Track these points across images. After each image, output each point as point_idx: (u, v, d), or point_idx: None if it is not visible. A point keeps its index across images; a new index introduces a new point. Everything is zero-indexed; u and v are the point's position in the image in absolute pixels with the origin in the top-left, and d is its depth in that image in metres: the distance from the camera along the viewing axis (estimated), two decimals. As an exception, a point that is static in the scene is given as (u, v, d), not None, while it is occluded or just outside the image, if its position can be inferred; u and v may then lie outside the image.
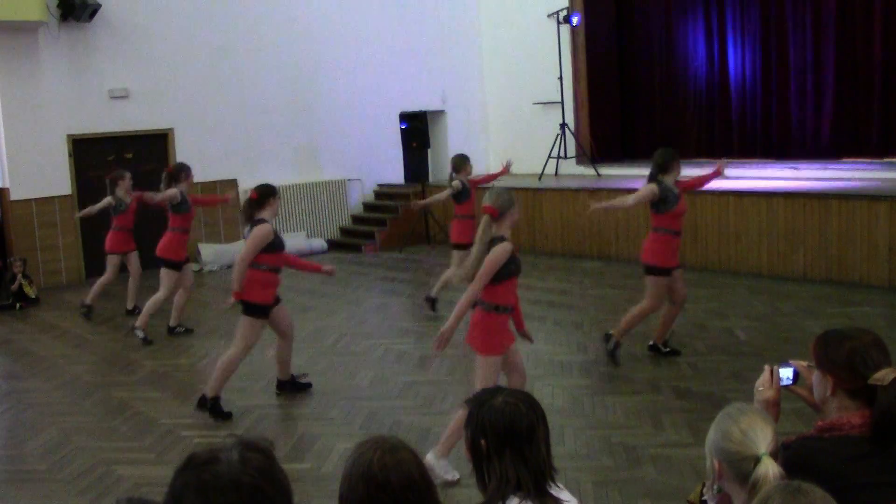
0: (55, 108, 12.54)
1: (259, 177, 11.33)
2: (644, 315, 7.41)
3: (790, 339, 7.80)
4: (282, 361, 7.15)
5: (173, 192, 9.15)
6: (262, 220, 6.58)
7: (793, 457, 2.54)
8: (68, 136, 12.69)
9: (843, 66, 12.79)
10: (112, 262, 10.32)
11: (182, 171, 9.33)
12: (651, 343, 7.64)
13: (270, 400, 7.12)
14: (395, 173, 15.80)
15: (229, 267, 13.06)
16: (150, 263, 12.29)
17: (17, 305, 11.23)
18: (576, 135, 14.63)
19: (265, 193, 6.62)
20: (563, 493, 2.52)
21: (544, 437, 2.49)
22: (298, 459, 5.72)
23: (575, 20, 14.23)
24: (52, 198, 12.56)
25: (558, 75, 14.45)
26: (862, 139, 12.68)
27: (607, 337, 7.57)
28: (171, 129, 13.53)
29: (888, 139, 12.40)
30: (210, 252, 13.39)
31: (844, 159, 12.50)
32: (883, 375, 2.52)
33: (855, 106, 12.74)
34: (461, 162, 9.59)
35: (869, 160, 12.14)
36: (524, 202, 13.39)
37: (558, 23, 14.36)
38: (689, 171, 12.98)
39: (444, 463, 5.21)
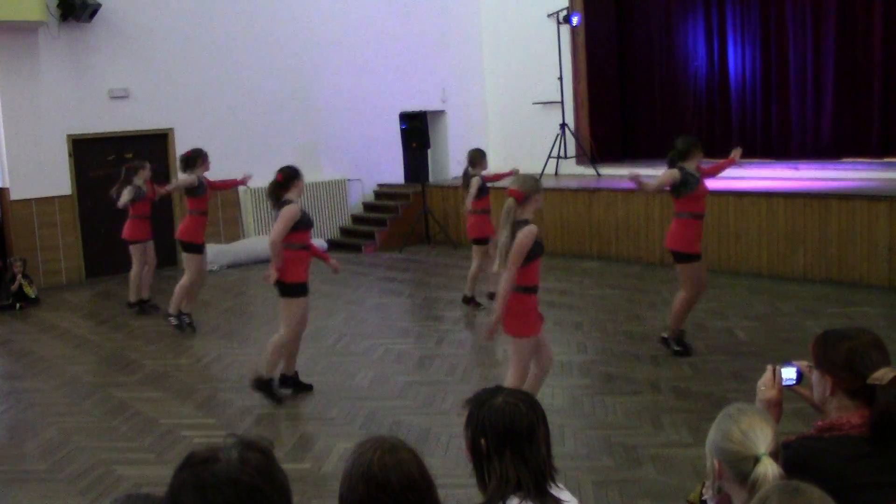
0: (55, 108, 12.53)
1: (259, 177, 11.33)
2: (689, 304, 7.42)
3: (790, 339, 7.80)
4: (289, 355, 7.16)
5: (189, 178, 9.23)
6: (290, 201, 6.70)
7: (793, 456, 2.54)
8: (68, 136, 12.69)
9: (843, 66, 12.79)
10: (136, 251, 10.33)
11: (199, 157, 9.45)
12: (664, 336, 7.60)
13: (270, 400, 7.11)
14: (395, 173, 15.80)
15: (230, 267, 13.11)
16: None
17: (17, 305, 11.23)
18: (576, 135, 14.63)
19: (290, 175, 6.78)
20: (563, 493, 2.52)
21: (545, 437, 2.49)
22: (298, 459, 5.72)
23: (575, 20, 14.23)
24: (52, 198, 12.56)
25: (558, 75, 14.45)
26: (862, 139, 12.69)
27: (665, 341, 7.55)
28: (171, 129, 13.53)
29: (888, 139, 12.40)
30: (210, 252, 13.37)
31: (844, 159, 12.50)
32: (882, 375, 2.52)
33: (855, 106, 12.74)
34: (478, 156, 9.65)
35: (869, 160, 12.14)
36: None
37: (558, 23, 14.36)
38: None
39: None
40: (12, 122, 12.30)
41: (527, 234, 5.20)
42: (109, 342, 9.27)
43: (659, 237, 11.68)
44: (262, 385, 6.90)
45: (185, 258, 9.35)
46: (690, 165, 7.37)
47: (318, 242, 14.43)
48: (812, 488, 1.94)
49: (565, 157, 14.32)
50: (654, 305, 9.50)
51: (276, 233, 6.61)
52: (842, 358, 2.61)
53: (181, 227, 9.41)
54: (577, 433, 5.92)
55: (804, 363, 2.80)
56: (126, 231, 10.29)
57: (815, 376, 2.71)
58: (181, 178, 9.29)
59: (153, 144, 13.43)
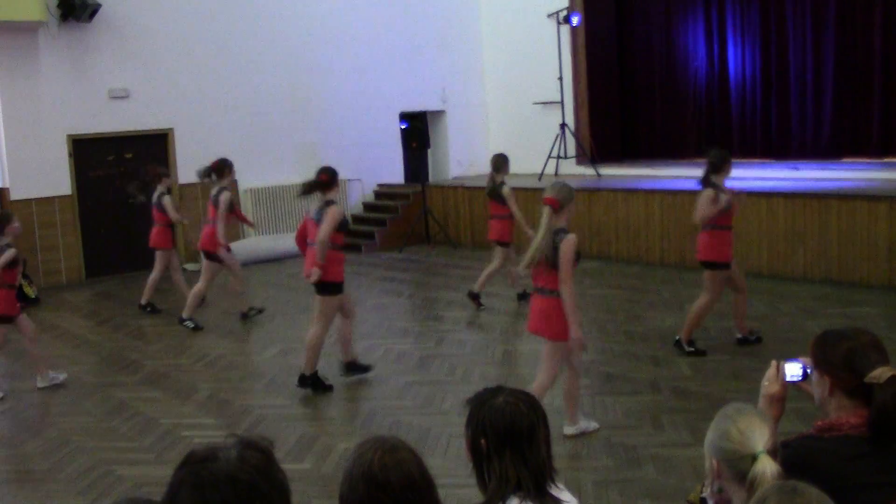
0: (55, 108, 12.53)
1: (259, 177, 11.35)
2: (706, 310, 7.52)
3: (790, 339, 7.80)
4: (345, 342, 7.31)
5: (228, 195, 9.49)
6: (333, 202, 6.92)
7: (792, 456, 2.54)
8: (68, 136, 12.69)
9: (843, 66, 12.79)
10: (162, 257, 10.46)
11: (226, 166, 9.63)
12: (739, 336, 7.67)
13: (270, 400, 7.12)
14: (395, 173, 15.80)
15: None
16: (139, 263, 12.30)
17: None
18: (576, 135, 14.63)
19: (334, 175, 7.04)
20: (563, 494, 2.52)
21: (545, 437, 2.49)
22: (298, 459, 5.72)
23: (575, 20, 14.22)
24: (52, 198, 12.56)
25: (558, 75, 14.45)
26: (862, 139, 12.68)
27: (678, 343, 7.59)
28: (171, 129, 13.53)
29: (888, 139, 12.40)
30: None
31: (844, 159, 12.50)
32: (879, 374, 2.52)
33: (855, 106, 12.74)
34: (503, 162, 9.71)
35: (869, 160, 12.14)
36: (524, 203, 13.38)
37: (558, 23, 14.36)
38: (689, 171, 13.04)
39: (582, 424, 5.82)
40: (12, 122, 12.29)
41: (571, 244, 5.40)
42: (109, 342, 9.27)
43: (659, 237, 11.70)
44: (307, 381, 7.09)
45: (205, 265, 9.65)
46: (720, 179, 7.44)
47: (318, 242, 14.46)
48: (810, 488, 1.94)
49: (565, 157, 14.32)
50: (654, 305, 9.50)
51: (325, 233, 6.77)
52: (840, 358, 2.61)
53: (204, 236, 9.61)
54: (575, 433, 5.92)
55: (807, 360, 2.80)
56: (154, 239, 10.37)
57: (814, 376, 2.71)
58: (225, 197, 9.46)
59: (153, 144, 13.43)
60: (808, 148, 13.13)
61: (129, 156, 13.28)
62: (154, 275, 10.46)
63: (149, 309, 10.51)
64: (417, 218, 14.42)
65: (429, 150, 15.91)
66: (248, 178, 13.83)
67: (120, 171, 13.20)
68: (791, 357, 2.78)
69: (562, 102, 14.45)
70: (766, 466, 2.24)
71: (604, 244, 12.29)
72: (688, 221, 11.24)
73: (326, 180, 6.93)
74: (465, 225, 14.43)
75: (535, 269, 5.54)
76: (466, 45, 16.51)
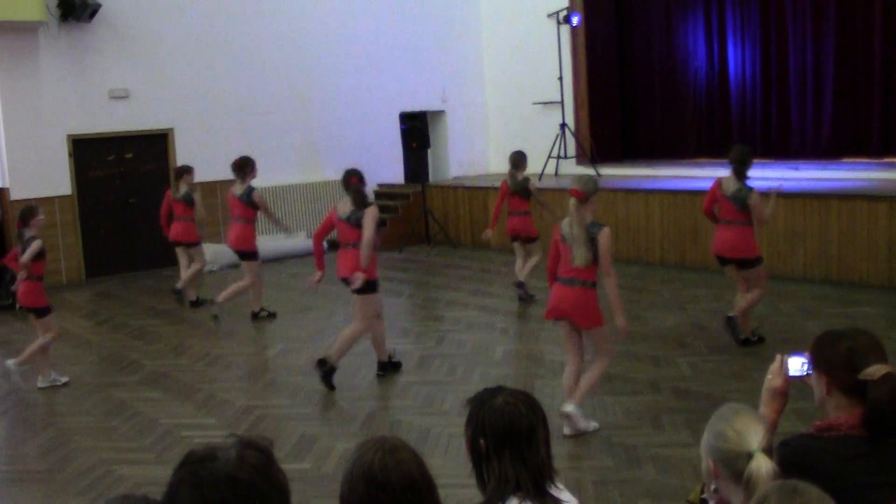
0: (55, 108, 12.53)
1: (259, 177, 11.33)
2: (758, 301, 7.67)
3: (790, 339, 7.80)
4: (378, 343, 7.43)
5: (261, 197, 9.73)
6: (372, 203, 7.23)
7: (791, 455, 2.54)
8: (68, 136, 12.69)
9: (843, 66, 12.78)
10: (197, 253, 10.65)
11: (249, 164, 9.71)
12: (742, 337, 7.67)
13: (270, 400, 7.12)
14: (395, 173, 15.80)
15: (230, 267, 13.09)
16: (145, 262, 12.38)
17: (18, 305, 11.21)
18: (576, 135, 14.63)
19: (362, 177, 7.26)
20: (563, 494, 2.52)
21: (544, 438, 2.49)
22: (298, 459, 5.72)
23: (575, 20, 14.22)
24: (52, 198, 12.55)
25: (558, 75, 14.45)
26: (862, 139, 12.68)
27: (745, 341, 7.66)
28: (171, 129, 13.53)
29: (888, 139, 12.39)
30: (210, 252, 13.38)
31: (844, 159, 12.50)
32: (874, 370, 2.53)
33: (855, 106, 12.73)
34: (521, 158, 9.87)
35: (869, 160, 12.13)
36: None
37: (558, 23, 14.36)
38: (689, 171, 13.05)
39: (582, 425, 5.84)
40: (12, 122, 12.30)
41: (608, 236, 5.64)
42: (109, 342, 9.27)
43: (659, 237, 11.70)
44: (326, 367, 7.12)
45: (244, 265, 9.70)
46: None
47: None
48: (811, 488, 1.94)
49: (565, 157, 14.32)
50: (654, 305, 9.50)
51: (371, 234, 7.00)
52: (837, 357, 2.63)
53: (233, 235, 9.65)
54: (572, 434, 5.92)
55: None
56: (184, 233, 10.47)
57: (813, 377, 2.72)
58: (260, 196, 9.71)
59: (153, 144, 13.43)
60: (808, 148, 13.12)
61: (129, 156, 13.28)
62: (196, 267, 10.66)
63: (198, 303, 10.72)
64: (417, 218, 14.41)
65: (429, 150, 15.90)
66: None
67: (120, 171, 13.21)
68: (795, 352, 2.78)
69: (562, 102, 14.45)
70: (762, 464, 2.25)
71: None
72: (688, 221, 11.28)
73: (358, 181, 7.17)
74: (464, 225, 14.43)
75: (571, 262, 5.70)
76: (466, 45, 16.51)
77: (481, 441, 2.46)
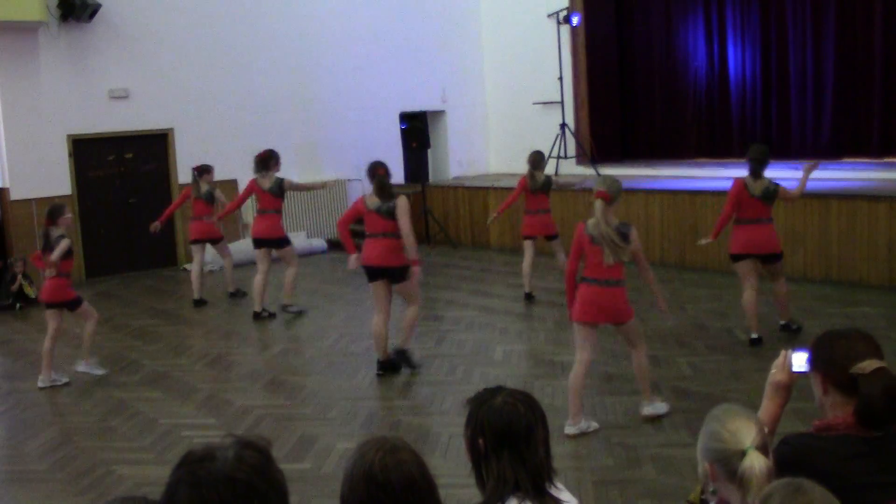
0: (55, 108, 12.53)
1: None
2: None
3: (791, 339, 7.80)
4: (405, 327, 7.63)
5: (290, 182, 10.12)
6: (400, 193, 7.44)
7: (790, 454, 2.55)
8: (68, 136, 12.69)
9: (843, 66, 12.78)
10: (221, 248, 10.98)
11: (272, 157, 9.97)
12: (783, 323, 7.91)
13: (270, 400, 7.12)
14: (395, 173, 15.72)
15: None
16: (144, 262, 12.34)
17: (17, 305, 11.24)
18: (576, 135, 14.63)
19: (388, 169, 7.62)
20: (563, 494, 2.51)
21: (543, 438, 2.49)
22: (298, 459, 5.72)
23: (575, 20, 14.22)
24: (52, 198, 12.53)
25: (558, 75, 14.45)
26: (862, 139, 12.68)
27: (786, 327, 7.89)
28: (171, 129, 13.53)
29: (888, 139, 12.39)
30: (210, 252, 13.36)
31: (844, 159, 12.49)
32: (866, 365, 2.54)
33: (855, 106, 12.73)
34: (541, 159, 10.13)
35: (869, 160, 12.13)
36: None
37: (558, 23, 14.36)
38: (689, 171, 13.05)
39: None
40: (12, 122, 12.30)
41: (636, 234, 5.86)
42: (109, 342, 9.26)
43: (659, 237, 11.69)
44: (403, 355, 7.53)
45: (284, 253, 9.88)
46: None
47: (318, 242, 14.46)
48: (815, 486, 1.95)
49: (565, 157, 14.32)
50: (655, 305, 9.46)
51: (410, 224, 7.28)
52: (830, 353, 2.65)
53: (263, 226, 9.79)
54: (576, 433, 5.92)
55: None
56: (208, 231, 10.71)
57: (812, 379, 2.73)
58: (289, 181, 10.05)
59: (153, 144, 13.44)
60: (808, 148, 13.12)
61: (129, 156, 13.28)
62: (228, 262, 11.00)
63: (238, 295, 10.97)
64: (417, 218, 14.39)
65: (429, 150, 15.91)
66: (248, 177, 13.79)
67: (120, 171, 13.22)
68: (799, 347, 2.79)
69: (562, 102, 14.45)
70: (755, 461, 2.26)
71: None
72: (688, 221, 11.27)
73: (385, 173, 7.48)
74: (464, 225, 14.43)
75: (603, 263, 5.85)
76: (466, 45, 16.51)
77: (480, 441, 2.46)
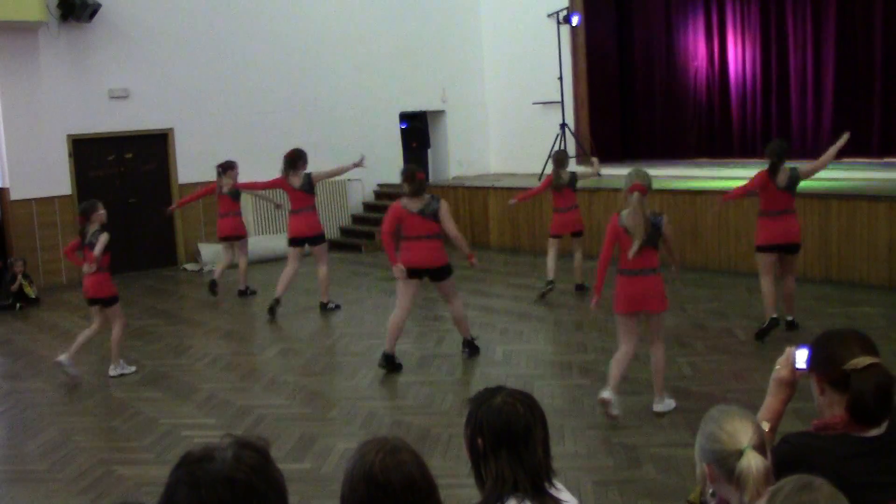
0: (55, 108, 12.54)
1: (259, 177, 11.35)
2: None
3: (791, 339, 7.79)
4: (459, 321, 7.89)
5: (318, 174, 10.18)
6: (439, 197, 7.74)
7: (788, 453, 2.55)
8: (68, 136, 12.69)
9: (843, 66, 12.78)
10: (243, 246, 11.06)
11: (300, 157, 10.01)
12: (790, 319, 7.98)
13: (270, 400, 7.12)
14: (395, 173, 15.75)
15: (229, 267, 13.07)
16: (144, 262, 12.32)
17: (17, 305, 11.24)
18: (576, 135, 14.62)
19: (425, 172, 7.81)
20: (562, 494, 2.51)
21: (542, 439, 2.48)
22: (298, 459, 5.72)
23: (575, 20, 14.22)
24: (52, 198, 12.56)
25: (558, 75, 14.45)
26: (862, 139, 12.66)
27: (791, 322, 8.00)
28: (171, 129, 13.54)
29: (888, 139, 12.39)
30: (210, 252, 13.39)
31: (844, 159, 12.46)
32: (858, 361, 2.55)
33: (855, 106, 12.72)
34: (565, 157, 10.37)
35: (869, 160, 12.13)
36: (525, 203, 13.38)
37: (558, 23, 14.36)
38: (689, 171, 13.05)
39: (668, 401, 6.24)
40: (12, 122, 12.30)
41: (669, 222, 6.17)
42: (109, 342, 9.25)
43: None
44: (470, 344, 7.90)
45: (317, 250, 9.93)
46: None
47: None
48: (824, 483, 1.95)
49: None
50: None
51: (454, 224, 7.61)
52: (827, 353, 2.66)
53: (302, 224, 9.85)
54: (577, 433, 5.92)
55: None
56: (234, 228, 10.92)
57: (811, 381, 2.74)
58: (317, 173, 10.10)
59: (153, 144, 13.44)
60: (808, 148, 13.10)
61: (129, 156, 13.28)
62: (243, 260, 11.08)
63: (249, 293, 11.05)
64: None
65: (429, 150, 15.91)
66: (248, 178, 13.79)
67: (120, 171, 13.22)
68: (802, 344, 2.80)
69: (562, 102, 14.44)
70: (752, 461, 2.27)
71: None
72: (688, 221, 11.27)
73: (424, 177, 7.74)
74: (464, 225, 14.41)
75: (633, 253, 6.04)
76: (466, 45, 16.51)
77: (479, 440, 2.46)
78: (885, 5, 12.28)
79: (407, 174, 7.56)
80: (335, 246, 14.55)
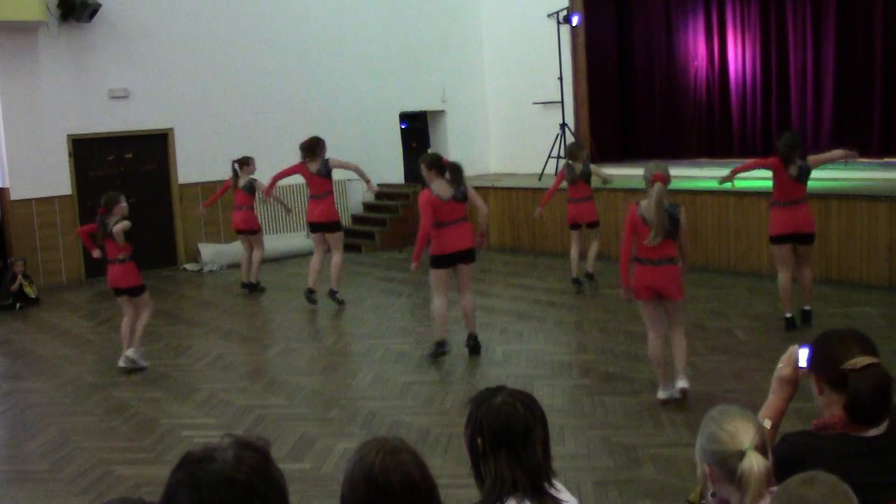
0: (55, 108, 12.53)
1: (259, 177, 11.37)
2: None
3: (790, 339, 7.79)
4: (469, 314, 7.93)
5: (337, 160, 10.20)
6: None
7: (788, 453, 2.56)
8: (68, 136, 12.69)
9: (843, 66, 12.78)
10: (257, 240, 11.14)
11: (318, 144, 10.05)
12: (807, 308, 8.09)
13: (270, 400, 7.12)
14: (395, 173, 15.79)
15: (230, 267, 13.09)
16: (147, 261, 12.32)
17: (17, 305, 11.24)
18: (576, 135, 14.61)
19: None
20: (562, 494, 2.51)
21: (541, 439, 2.48)
22: (298, 459, 5.72)
23: (575, 20, 14.22)
24: (52, 198, 12.56)
25: (558, 75, 14.44)
26: (862, 139, 12.67)
27: (807, 312, 8.10)
28: (170, 129, 13.53)
29: (888, 139, 12.39)
30: (210, 252, 13.39)
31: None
32: (856, 361, 2.55)
33: (855, 106, 12.73)
34: (579, 148, 10.58)
35: (869, 160, 12.12)
36: (524, 202, 13.40)
37: (558, 23, 14.36)
38: (689, 171, 13.05)
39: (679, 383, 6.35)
40: (12, 122, 12.30)
41: (684, 212, 6.32)
42: (109, 342, 9.26)
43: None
44: (474, 340, 7.97)
45: (331, 238, 9.96)
46: None
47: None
48: (830, 477, 1.95)
49: (566, 157, 14.30)
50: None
51: (484, 204, 7.98)
52: (826, 353, 2.66)
53: (319, 210, 9.92)
54: (577, 433, 5.92)
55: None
56: (248, 222, 11.02)
57: (810, 380, 2.74)
58: (336, 160, 10.17)
59: (153, 144, 13.43)
60: (808, 148, 13.10)
61: (129, 156, 13.28)
62: (258, 253, 11.09)
63: (256, 288, 11.08)
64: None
65: (429, 150, 15.88)
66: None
67: (120, 171, 13.21)
68: (805, 343, 2.81)
69: (562, 102, 14.44)
70: (754, 461, 2.27)
71: (604, 244, 12.22)
72: (688, 221, 11.24)
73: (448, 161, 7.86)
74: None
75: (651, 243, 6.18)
76: (466, 45, 16.51)
77: (478, 440, 2.46)
78: (885, 5, 12.28)
79: (431, 161, 7.76)
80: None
